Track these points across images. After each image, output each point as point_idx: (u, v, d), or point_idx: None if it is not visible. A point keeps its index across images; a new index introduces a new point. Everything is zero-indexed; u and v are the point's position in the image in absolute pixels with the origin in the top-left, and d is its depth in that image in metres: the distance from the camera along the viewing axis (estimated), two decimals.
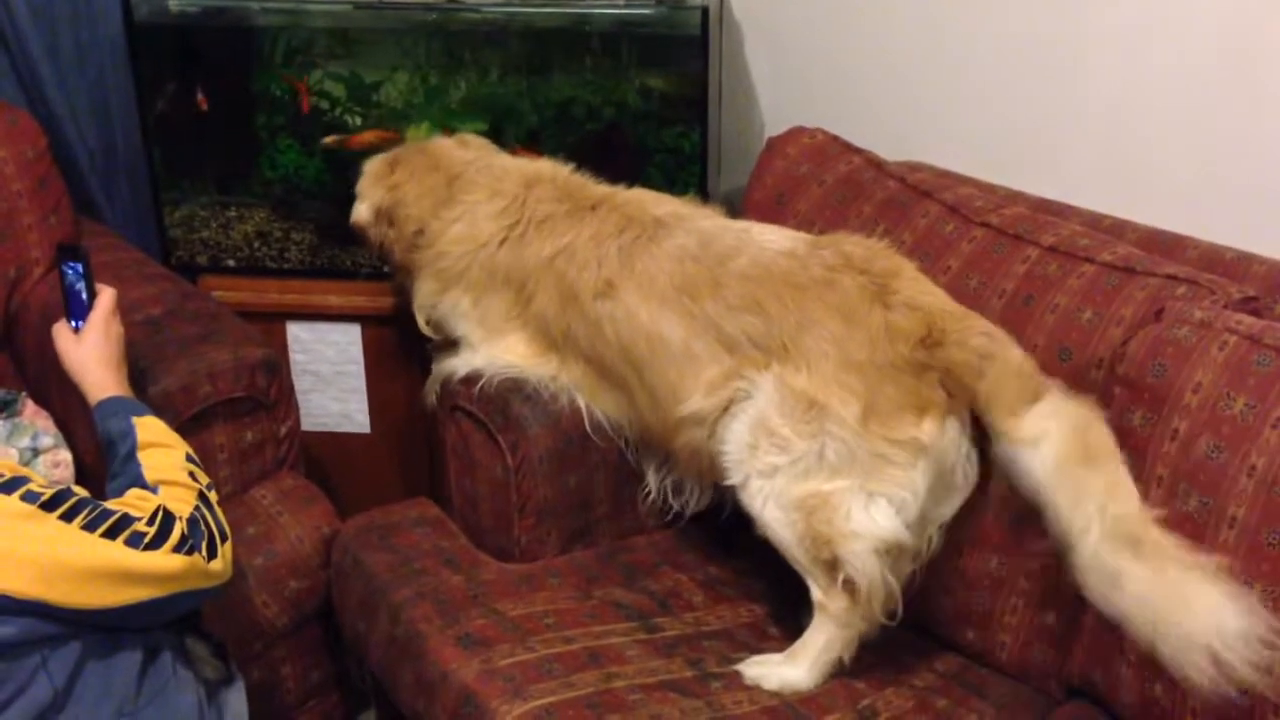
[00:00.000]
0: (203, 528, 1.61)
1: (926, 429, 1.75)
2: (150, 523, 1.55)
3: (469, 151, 2.23)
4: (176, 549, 1.55)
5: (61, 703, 1.52)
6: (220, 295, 2.55)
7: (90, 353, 1.78)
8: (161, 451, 1.69)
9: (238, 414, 2.15)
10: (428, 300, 2.19)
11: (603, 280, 1.96)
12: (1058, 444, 1.66)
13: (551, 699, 1.71)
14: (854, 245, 1.89)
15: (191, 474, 1.68)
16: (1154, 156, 2.08)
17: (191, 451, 1.73)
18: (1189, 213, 1.99)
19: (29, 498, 1.49)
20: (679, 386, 1.89)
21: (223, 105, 2.62)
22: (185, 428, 2.07)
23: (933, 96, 2.40)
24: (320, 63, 2.56)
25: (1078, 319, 1.82)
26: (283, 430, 2.22)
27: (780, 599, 1.99)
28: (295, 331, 2.61)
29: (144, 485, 1.63)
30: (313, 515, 2.19)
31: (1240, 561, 1.54)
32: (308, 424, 2.50)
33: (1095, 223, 2.01)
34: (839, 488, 1.76)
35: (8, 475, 1.52)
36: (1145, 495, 1.65)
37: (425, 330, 2.23)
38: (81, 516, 1.51)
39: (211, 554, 1.60)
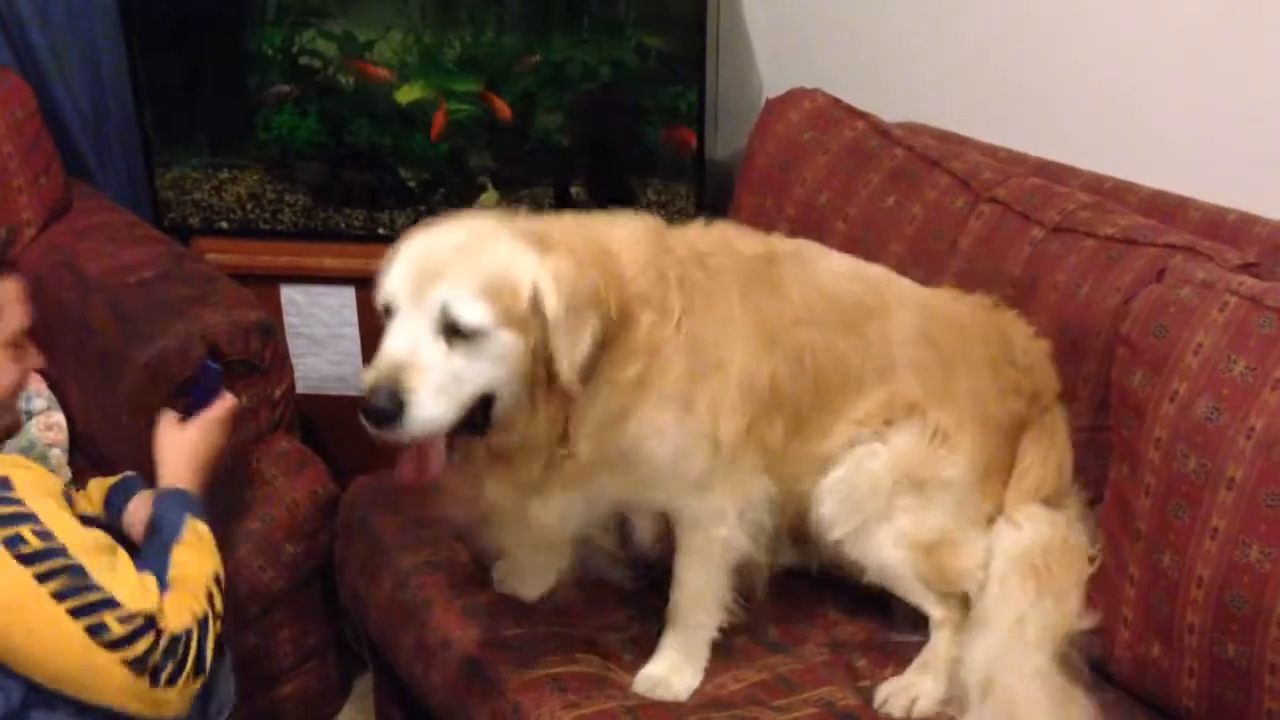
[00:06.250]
0: (181, 651, 1.51)
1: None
2: (125, 622, 1.46)
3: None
4: (132, 663, 1.46)
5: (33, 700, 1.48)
6: (213, 258, 2.53)
7: (184, 443, 1.74)
8: (196, 558, 1.61)
9: (232, 377, 2.13)
10: None
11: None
12: (1030, 536, 1.77)
13: (559, 670, 1.71)
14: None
15: (210, 594, 1.59)
16: (1156, 118, 2.06)
17: (222, 573, 1.64)
18: (1191, 175, 1.98)
19: (11, 543, 1.43)
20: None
21: (215, 65, 2.60)
22: (179, 391, 2.07)
23: (932, 56, 2.37)
24: (313, 21, 2.53)
25: (1077, 292, 1.81)
26: (277, 393, 2.21)
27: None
28: (289, 294, 2.59)
29: (161, 578, 1.55)
30: (308, 479, 2.18)
31: (1238, 523, 1.54)
32: (303, 387, 2.49)
33: (1097, 185, 2.00)
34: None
35: (2, 512, 1.45)
36: (1142, 457, 1.65)
37: None
38: (57, 582, 1.44)
39: (171, 681, 1.49)
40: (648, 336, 1.56)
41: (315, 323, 2.61)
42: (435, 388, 1.43)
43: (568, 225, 1.60)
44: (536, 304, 1.47)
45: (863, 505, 1.75)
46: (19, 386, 1.69)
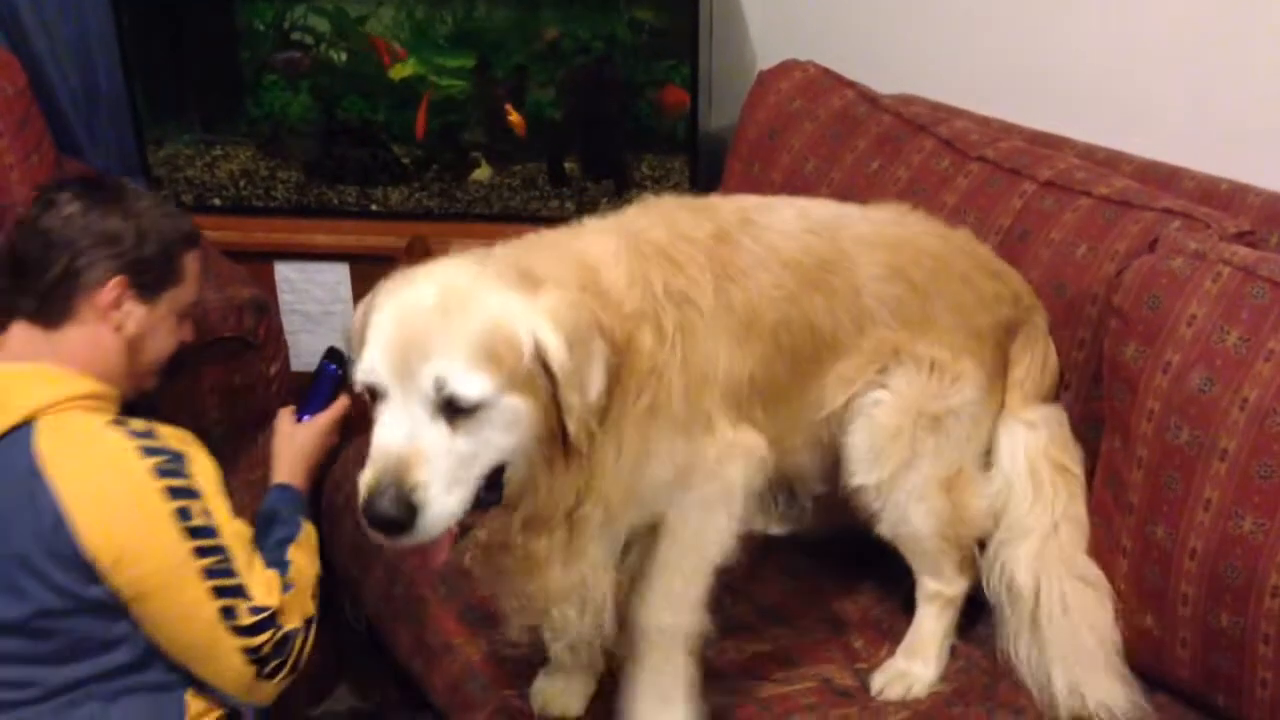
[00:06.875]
0: (287, 650, 1.62)
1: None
2: (254, 613, 1.58)
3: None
4: (249, 652, 1.58)
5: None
6: (206, 234, 2.51)
7: (300, 443, 1.84)
8: (307, 559, 1.71)
9: (226, 355, 2.14)
10: None
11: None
12: (1046, 438, 1.79)
13: None
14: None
15: (315, 597, 1.69)
16: (1149, 88, 2.05)
17: (321, 573, 1.74)
18: (1184, 145, 1.97)
19: (182, 515, 1.54)
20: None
21: (206, 42, 2.58)
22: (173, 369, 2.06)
23: (926, 28, 2.36)
24: None
25: (1073, 254, 1.80)
26: (272, 370, 2.21)
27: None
28: (283, 271, 2.58)
29: (284, 576, 1.64)
30: None
31: (1231, 494, 1.54)
32: (297, 365, 2.48)
33: (1090, 155, 1.99)
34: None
35: (179, 484, 1.55)
36: (1135, 429, 1.65)
37: None
38: (210, 559, 1.55)
39: (273, 675, 1.61)
40: (650, 360, 1.46)
41: (309, 299, 2.60)
42: (445, 479, 1.27)
43: (544, 250, 1.48)
44: (540, 357, 1.33)
45: (886, 453, 1.70)
46: (170, 356, 1.77)
